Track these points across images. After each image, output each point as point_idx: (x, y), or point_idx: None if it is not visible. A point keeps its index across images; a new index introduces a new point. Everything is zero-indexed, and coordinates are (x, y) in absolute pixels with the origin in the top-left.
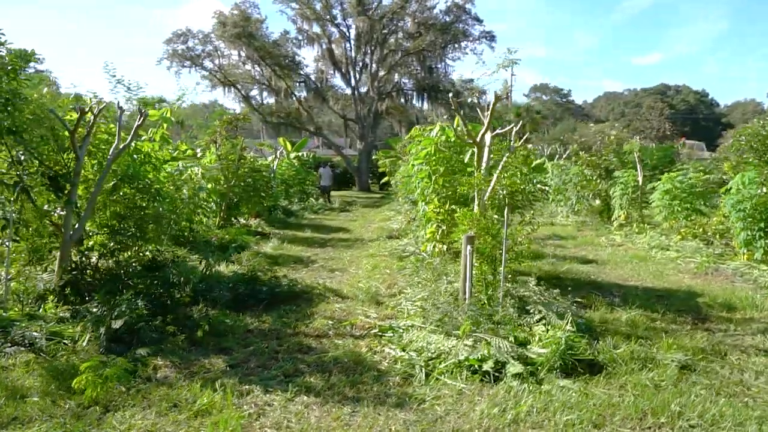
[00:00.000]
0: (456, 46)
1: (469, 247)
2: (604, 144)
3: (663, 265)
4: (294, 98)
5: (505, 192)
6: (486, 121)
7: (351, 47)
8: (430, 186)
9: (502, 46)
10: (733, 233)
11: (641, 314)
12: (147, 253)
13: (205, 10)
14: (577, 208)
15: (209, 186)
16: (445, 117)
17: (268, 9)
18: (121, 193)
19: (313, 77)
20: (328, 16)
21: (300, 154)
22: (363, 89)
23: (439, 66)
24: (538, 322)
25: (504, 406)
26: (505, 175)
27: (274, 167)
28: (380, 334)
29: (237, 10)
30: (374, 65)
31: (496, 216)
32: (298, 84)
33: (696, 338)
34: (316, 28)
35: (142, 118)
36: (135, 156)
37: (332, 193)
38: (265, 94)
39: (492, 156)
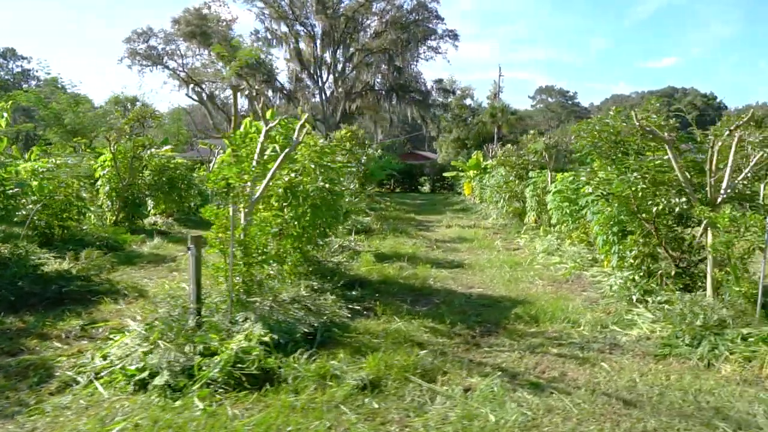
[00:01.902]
0: (420, 45)
1: (193, 248)
2: (523, 143)
3: (530, 272)
4: (259, 98)
5: (281, 189)
6: (233, 116)
7: (318, 47)
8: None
9: (506, 47)
10: (593, 237)
11: (426, 324)
12: None
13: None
14: (504, 210)
15: (102, 184)
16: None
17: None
18: None
19: (285, 77)
20: (292, 15)
21: None
22: (332, 90)
23: (412, 66)
24: (245, 330)
25: (105, 421)
26: (282, 172)
27: (212, 166)
28: (110, 337)
29: (200, 9)
30: (339, 65)
31: (287, 216)
32: (263, 84)
33: (418, 355)
34: (285, 28)
35: None
36: None
37: None
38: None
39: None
